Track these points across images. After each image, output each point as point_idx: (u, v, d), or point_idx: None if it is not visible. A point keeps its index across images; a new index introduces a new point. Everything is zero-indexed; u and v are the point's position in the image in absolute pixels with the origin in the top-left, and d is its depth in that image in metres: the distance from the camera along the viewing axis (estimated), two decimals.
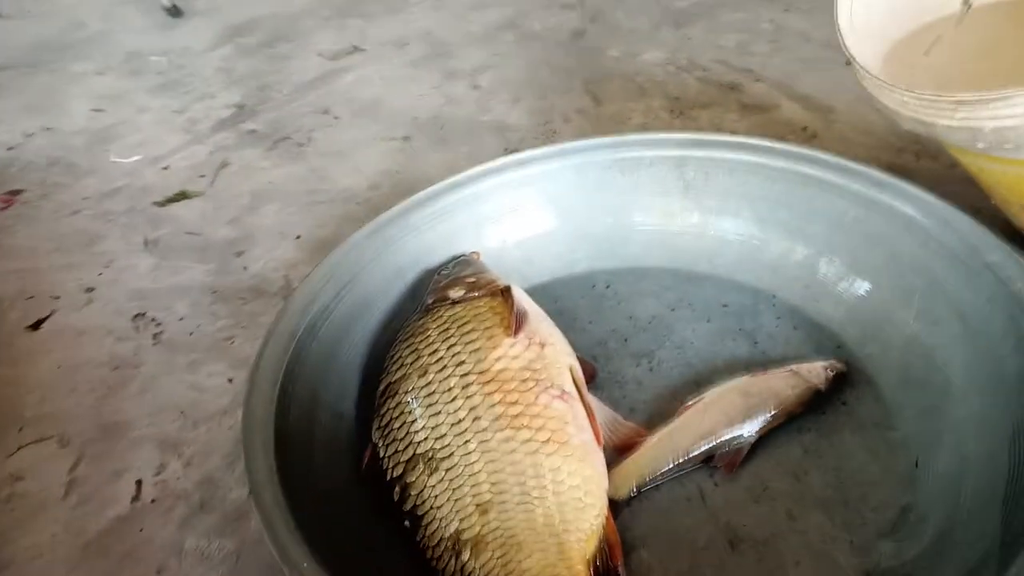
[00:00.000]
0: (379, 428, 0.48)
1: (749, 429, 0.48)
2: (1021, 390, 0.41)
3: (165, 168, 0.91)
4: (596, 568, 0.41)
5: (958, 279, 0.48)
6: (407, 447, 0.46)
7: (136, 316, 0.70)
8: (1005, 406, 0.42)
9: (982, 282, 0.47)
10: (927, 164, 0.68)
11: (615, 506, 0.46)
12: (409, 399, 0.48)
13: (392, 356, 0.51)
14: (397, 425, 0.47)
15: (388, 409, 0.48)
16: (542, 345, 0.48)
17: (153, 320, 0.69)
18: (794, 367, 0.51)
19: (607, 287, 0.62)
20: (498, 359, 0.47)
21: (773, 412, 0.48)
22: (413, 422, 0.47)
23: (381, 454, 0.47)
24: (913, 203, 0.52)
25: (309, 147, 0.91)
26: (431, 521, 0.43)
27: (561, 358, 0.49)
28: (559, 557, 0.41)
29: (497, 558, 0.41)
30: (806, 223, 0.57)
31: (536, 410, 0.45)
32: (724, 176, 0.60)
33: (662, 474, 0.47)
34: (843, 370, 0.51)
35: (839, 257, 0.56)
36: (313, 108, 0.99)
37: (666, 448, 0.48)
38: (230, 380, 0.62)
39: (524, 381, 0.46)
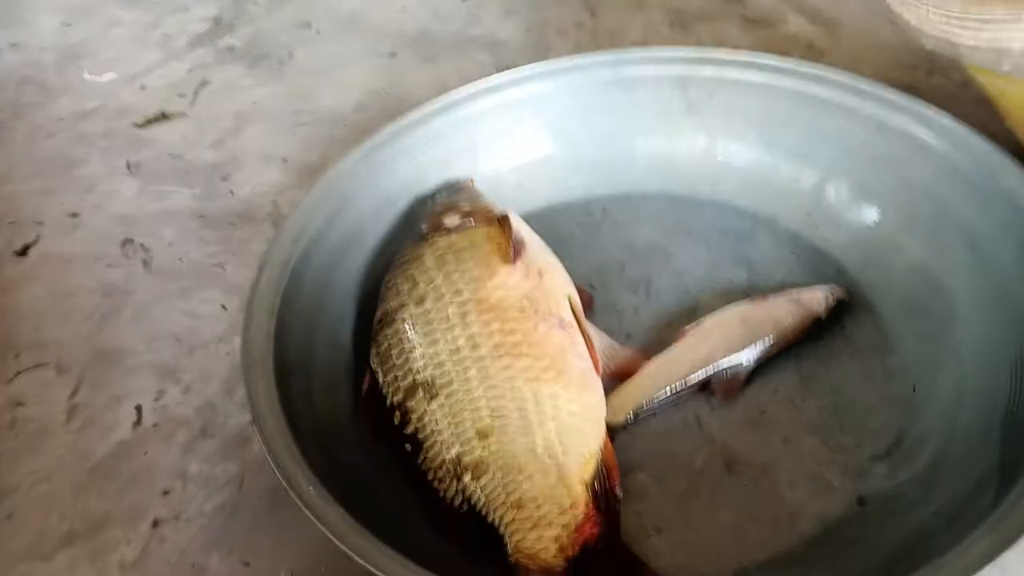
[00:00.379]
0: (377, 355, 0.47)
1: (748, 356, 0.48)
2: None
3: (142, 87, 0.86)
4: (594, 490, 0.42)
5: (970, 205, 0.47)
6: (406, 374, 0.45)
7: (124, 242, 0.67)
8: (1008, 334, 0.41)
9: (996, 208, 0.45)
10: (939, 81, 0.65)
11: (613, 430, 0.46)
12: (407, 327, 0.47)
13: (388, 284, 0.50)
14: (395, 353, 0.46)
15: (385, 337, 0.47)
16: (540, 274, 0.47)
17: (142, 246, 0.67)
18: (794, 294, 0.50)
19: (604, 214, 0.61)
20: (496, 288, 0.46)
21: (772, 339, 0.48)
22: (412, 350, 0.46)
23: (380, 380, 0.47)
24: (927, 125, 0.49)
25: (291, 64, 0.86)
26: (432, 445, 0.44)
27: (559, 287, 0.48)
28: (559, 479, 0.41)
29: (498, 480, 0.41)
30: (813, 146, 0.55)
31: (535, 339, 0.44)
32: (729, 96, 0.57)
33: (659, 401, 0.47)
34: (844, 297, 0.50)
35: (846, 182, 0.54)
36: (292, 22, 0.93)
37: (663, 375, 0.48)
38: (224, 307, 0.61)
39: (523, 311, 0.45)
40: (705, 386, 0.48)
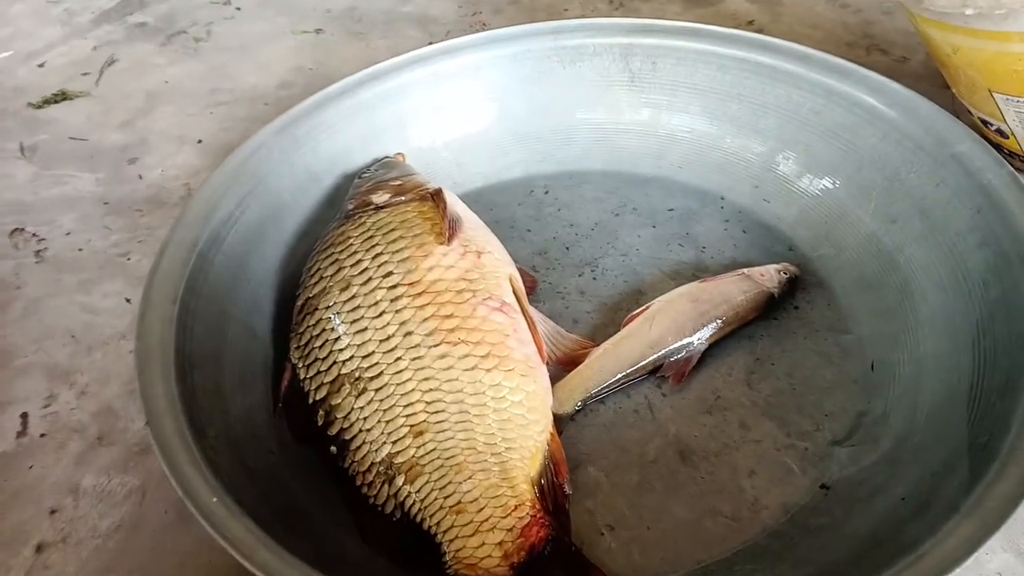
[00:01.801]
0: (298, 347, 0.42)
1: (699, 337, 0.44)
2: (985, 285, 0.38)
3: (40, 65, 0.77)
4: (541, 487, 0.37)
5: (921, 173, 0.44)
6: (330, 367, 0.40)
7: (14, 231, 0.59)
8: (967, 304, 0.39)
9: (947, 174, 0.42)
10: (878, 58, 0.64)
11: (560, 422, 0.41)
12: (331, 315, 0.41)
13: (310, 269, 0.44)
14: (318, 344, 0.41)
15: (307, 327, 0.42)
16: (478, 254, 0.42)
17: (34, 235, 0.59)
18: (746, 271, 0.46)
19: (546, 192, 0.56)
20: (430, 269, 0.40)
21: (724, 318, 0.44)
22: (336, 340, 0.40)
23: (301, 376, 0.41)
24: (876, 92, 0.46)
25: (208, 42, 0.78)
26: (360, 446, 0.38)
27: (499, 268, 0.43)
28: (502, 478, 0.36)
29: (434, 482, 0.36)
30: (759, 117, 0.51)
31: (474, 323, 0.39)
32: (672, 66, 0.53)
33: (608, 387, 0.43)
34: (797, 273, 0.46)
35: (794, 153, 0.50)
36: None
37: (612, 360, 0.43)
38: (127, 300, 0.53)
39: (460, 292, 0.40)
40: (656, 370, 0.44)
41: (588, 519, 0.38)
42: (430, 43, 0.57)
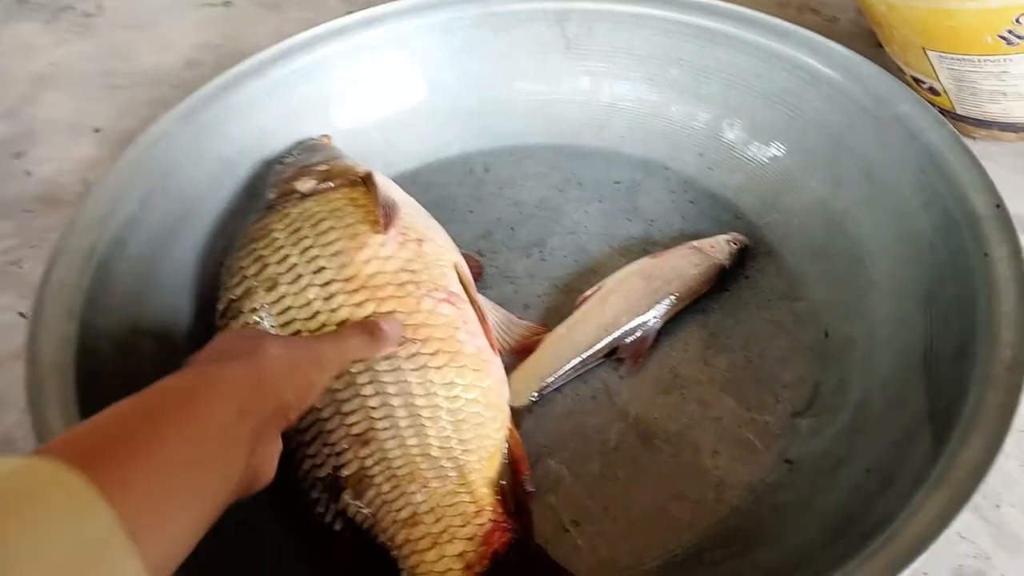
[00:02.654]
0: None
1: (654, 315, 0.42)
2: (933, 248, 0.38)
3: None
4: (501, 488, 0.35)
5: (865, 135, 0.43)
6: None
7: None
8: (916, 267, 0.38)
9: (891, 135, 0.42)
10: (810, 18, 0.63)
11: (516, 414, 0.38)
12: (257, 319, 0.36)
13: (230, 268, 0.39)
14: None
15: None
16: (419, 241, 0.38)
17: None
18: (695, 243, 0.45)
19: (486, 170, 0.53)
20: (367, 262, 0.36)
21: (677, 294, 0.43)
22: None
23: None
24: (817, 54, 0.45)
25: (100, 17, 0.70)
26: (300, 461, 0.34)
27: (443, 255, 0.39)
28: (459, 483, 0.33)
29: (384, 494, 0.33)
30: (701, 82, 0.49)
31: (419, 318, 0.36)
32: (610, 31, 0.51)
33: (564, 374, 0.40)
34: (746, 243, 0.45)
35: (739, 119, 0.49)
36: None
37: (566, 345, 0.41)
38: (22, 314, 0.47)
39: (401, 286, 0.36)
40: (612, 352, 0.42)
41: (551, 515, 0.36)
42: (350, 12, 0.52)
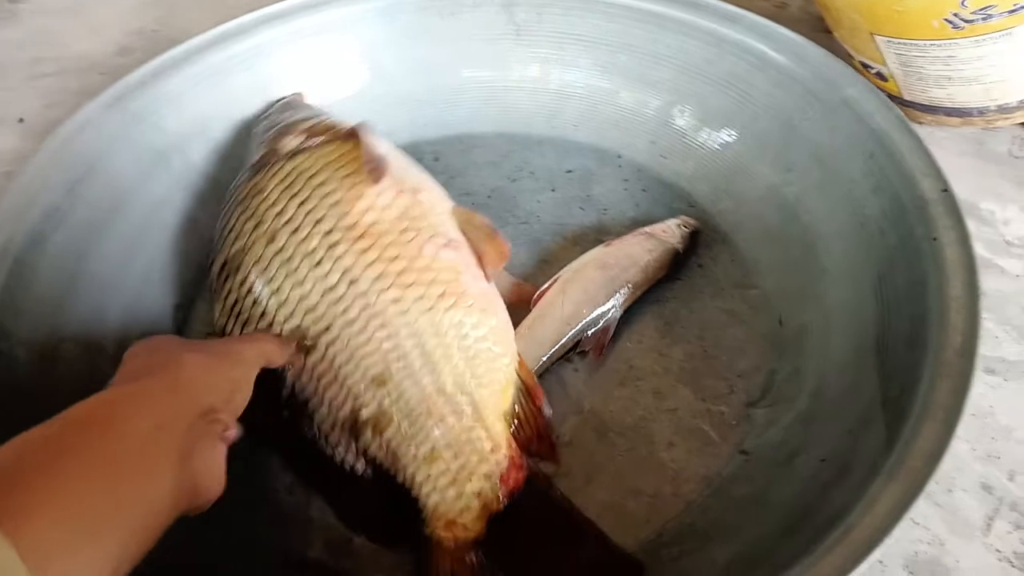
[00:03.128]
0: (224, 313, 0.36)
1: (614, 303, 0.40)
2: (883, 232, 0.37)
3: None
4: (517, 418, 0.35)
5: (814, 120, 0.42)
6: (270, 327, 0.34)
7: None
8: (867, 252, 0.37)
9: (839, 120, 0.41)
10: (759, 4, 0.62)
11: None
12: (258, 271, 0.35)
13: (223, 229, 0.37)
14: (249, 304, 0.35)
15: (231, 289, 0.35)
16: (415, 191, 0.37)
17: None
18: (647, 229, 0.43)
19: (435, 159, 0.50)
20: (367, 211, 0.35)
21: (634, 281, 0.41)
22: (271, 297, 0.34)
23: (221, 322, 0.36)
24: (765, 38, 0.44)
25: (26, 3, 0.65)
26: (318, 405, 0.34)
27: (439, 203, 0.37)
28: (475, 418, 0.33)
29: (405, 430, 0.33)
30: (651, 68, 0.48)
31: (423, 263, 0.35)
32: (559, 17, 0.49)
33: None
34: (697, 226, 0.44)
35: (689, 106, 0.47)
36: None
37: (530, 344, 0.39)
38: None
39: (403, 232, 0.35)
40: (575, 346, 0.40)
41: None
42: None
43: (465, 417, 0.34)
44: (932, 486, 0.35)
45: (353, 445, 0.34)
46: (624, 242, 0.43)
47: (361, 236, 0.35)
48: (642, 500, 0.35)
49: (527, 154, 0.50)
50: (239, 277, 0.35)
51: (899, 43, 0.45)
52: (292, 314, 0.34)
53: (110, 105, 0.42)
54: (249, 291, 0.35)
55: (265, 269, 0.35)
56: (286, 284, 0.35)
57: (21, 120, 0.55)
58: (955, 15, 0.42)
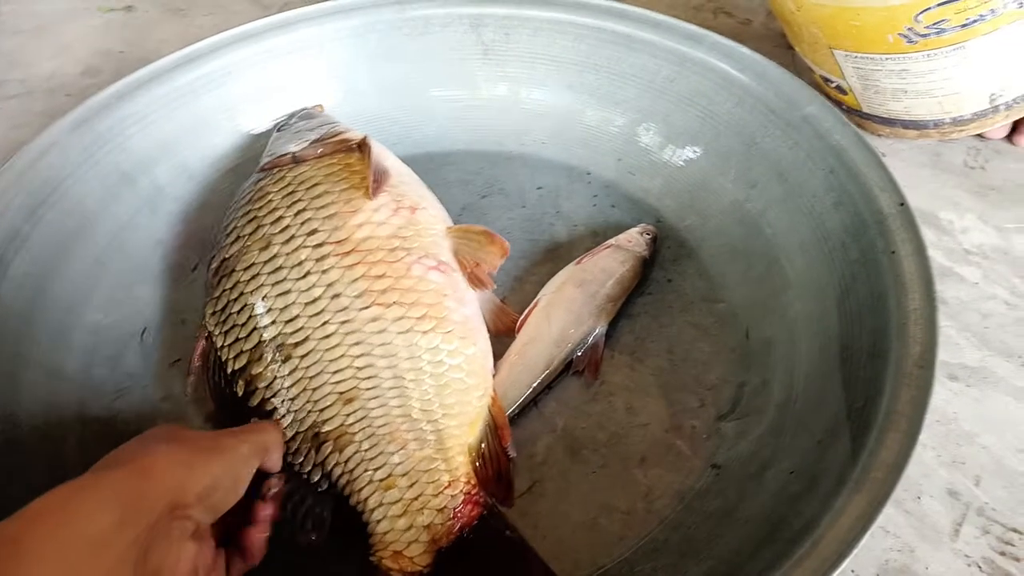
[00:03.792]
0: (215, 313, 0.35)
1: (598, 320, 0.40)
2: (845, 246, 0.37)
3: None
4: (481, 454, 0.34)
5: (775, 137, 0.42)
6: (251, 334, 0.34)
7: None
8: (830, 264, 0.37)
9: (800, 137, 0.41)
10: (724, 21, 0.62)
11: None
12: (250, 277, 0.35)
13: (226, 228, 0.37)
14: (236, 309, 0.35)
15: (224, 291, 0.35)
16: (412, 209, 0.37)
17: None
18: (612, 242, 0.43)
19: None
20: (360, 226, 0.35)
21: (613, 293, 0.41)
22: (257, 304, 0.34)
23: (219, 343, 0.35)
24: (727, 57, 0.44)
25: None
26: (284, 415, 0.33)
27: (435, 224, 0.37)
28: (437, 448, 0.33)
29: (364, 451, 0.32)
30: (617, 87, 0.48)
31: (408, 283, 0.34)
32: (527, 37, 0.49)
33: (525, 400, 0.38)
34: (656, 231, 0.44)
35: (654, 124, 0.47)
36: None
37: (522, 371, 0.38)
38: None
39: (392, 251, 0.35)
40: (566, 367, 0.39)
41: None
42: (260, 18, 0.49)
43: (427, 446, 0.33)
44: (900, 493, 0.35)
45: (312, 454, 0.33)
46: (596, 257, 0.43)
47: (350, 252, 0.35)
48: (615, 517, 0.34)
49: (497, 171, 0.50)
50: (231, 280, 0.36)
51: (856, 57, 0.46)
52: (273, 323, 0.34)
53: (75, 127, 0.41)
54: (239, 296, 0.35)
55: (255, 276, 0.35)
56: (271, 292, 0.35)
57: None
58: (909, 29, 0.43)
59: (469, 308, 0.36)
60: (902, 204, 0.36)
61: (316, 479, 0.33)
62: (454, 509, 0.32)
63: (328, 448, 0.33)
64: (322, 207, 0.36)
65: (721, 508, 0.33)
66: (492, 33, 0.49)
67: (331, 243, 0.35)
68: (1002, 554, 0.33)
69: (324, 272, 0.34)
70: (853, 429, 0.30)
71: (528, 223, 0.47)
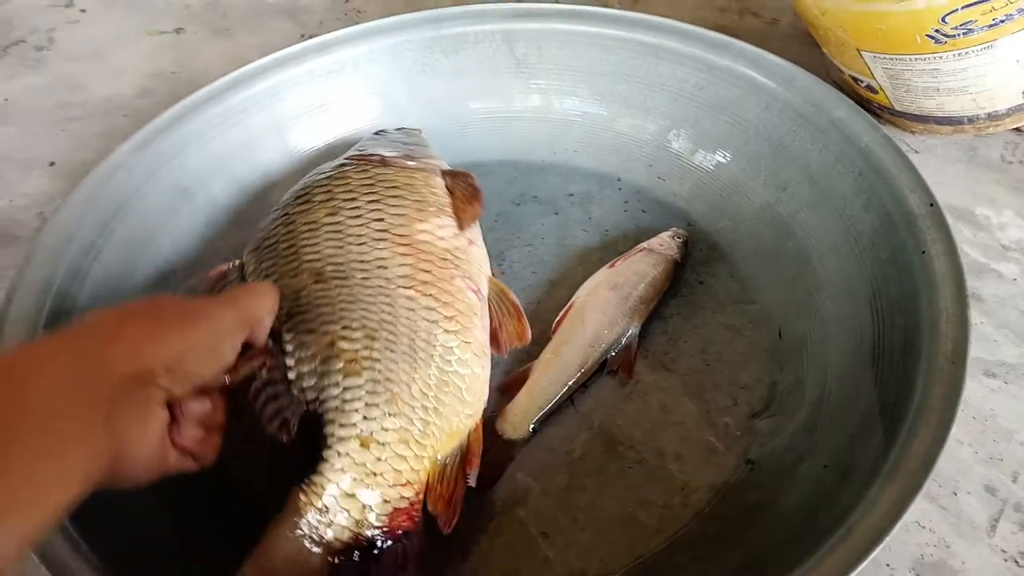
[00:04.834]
0: (256, 251, 0.38)
1: (632, 322, 0.42)
2: (875, 247, 0.38)
3: None
4: (443, 472, 0.34)
5: (804, 140, 0.43)
6: (292, 260, 0.36)
7: None
8: (861, 265, 0.39)
9: (829, 140, 0.42)
10: (750, 21, 0.64)
11: (514, 446, 0.38)
12: (309, 229, 0.37)
13: (297, 192, 0.40)
14: (285, 245, 0.37)
15: (276, 231, 0.38)
16: (471, 242, 0.39)
17: None
18: (644, 245, 0.45)
19: None
20: (422, 231, 0.38)
21: (646, 295, 0.43)
22: (305, 246, 0.36)
23: (250, 269, 0.37)
24: (753, 64, 0.46)
25: (51, 50, 0.68)
26: (307, 320, 0.34)
27: (483, 264, 0.40)
28: (417, 439, 0.33)
29: (364, 395, 0.32)
30: (647, 95, 0.50)
31: (447, 287, 0.36)
32: (557, 50, 0.51)
33: (560, 398, 0.40)
34: (687, 235, 0.46)
35: (684, 129, 0.49)
36: (49, 1, 0.74)
37: (556, 370, 0.40)
38: None
39: (443, 260, 0.37)
40: (600, 368, 0.41)
41: (521, 529, 0.36)
42: (303, 35, 0.52)
43: (410, 431, 0.33)
44: (936, 489, 0.36)
45: (317, 365, 0.33)
46: (629, 260, 0.44)
47: (407, 246, 0.37)
48: (652, 511, 0.36)
49: (531, 179, 0.52)
50: (288, 227, 0.38)
51: (885, 58, 0.47)
52: (319, 259, 0.36)
53: (139, 147, 0.44)
54: (291, 235, 0.37)
55: (313, 230, 0.37)
56: (327, 244, 0.36)
57: (52, 163, 0.57)
58: (936, 31, 0.44)
59: (487, 337, 0.37)
60: (932, 204, 0.37)
61: (304, 385, 0.32)
62: (393, 511, 0.31)
63: (336, 366, 0.33)
64: (394, 205, 0.38)
65: (756, 501, 0.34)
66: (524, 47, 0.51)
67: (393, 234, 0.37)
68: None
69: (379, 249, 0.36)
70: (885, 424, 0.31)
71: (560, 229, 0.49)
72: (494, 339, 0.38)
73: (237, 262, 0.38)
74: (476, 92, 0.52)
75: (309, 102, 0.50)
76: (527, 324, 0.38)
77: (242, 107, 0.48)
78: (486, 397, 0.37)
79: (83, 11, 0.73)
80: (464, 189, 0.41)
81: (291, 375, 0.33)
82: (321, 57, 0.50)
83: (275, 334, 0.34)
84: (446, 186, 0.41)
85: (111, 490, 0.25)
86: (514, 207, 0.51)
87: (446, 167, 0.43)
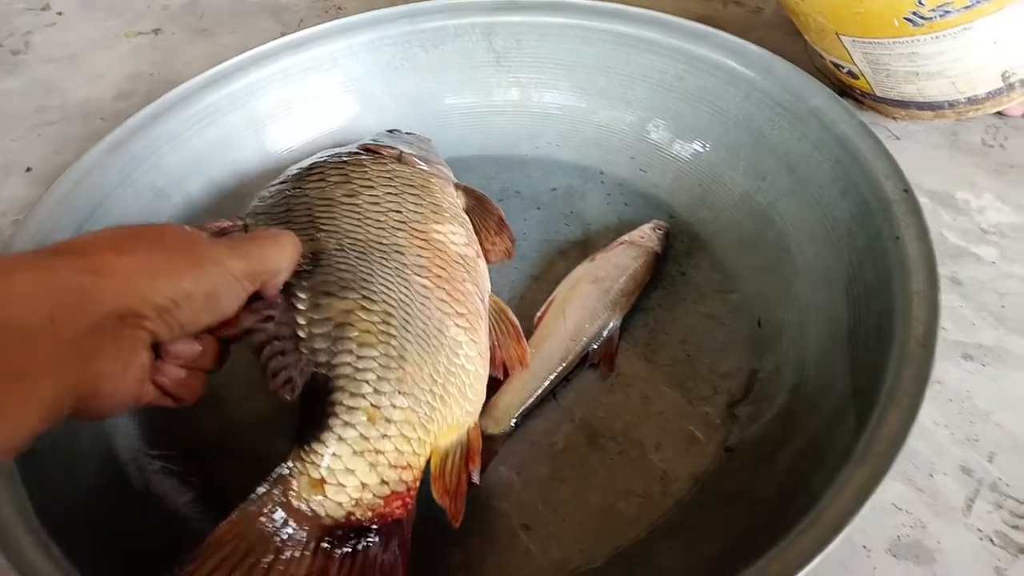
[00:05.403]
0: (263, 214, 0.37)
1: (612, 315, 0.43)
2: (852, 234, 0.39)
3: None
4: (443, 465, 0.33)
5: (783, 129, 0.44)
6: (308, 226, 0.36)
7: None
8: (838, 252, 0.40)
9: (807, 129, 0.43)
10: (734, 10, 0.65)
11: (496, 441, 0.39)
12: (324, 205, 0.37)
13: (307, 167, 0.40)
14: (299, 212, 0.37)
15: (286, 200, 0.38)
16: (479, 255, 0.40)
17: None
18: (625, 238, 0.46)
19: None
20: (438, 231, 0.38)
21: (627, 288, 0.43)
22: (323, 218, 0.36)
23: (252, 223, 0.37)
24: (733, 54, 0.47)
25: (28, 54, 0.69)
26: (327, 283, 0.33)
27: (487, 281, 0.40)
28: (422, 422, 0.32)
29: (377, 367, 0.32)
30: (626, 88, 0.51)
31: (460, 287, 0.37)
32: (537, 43, 0.52)
33: (541, 393, 0.40)
34: (668, 227, 0.47)
35: (663, 120, 0.50)
36: (26, 3, 0.75)
37: (538, 365, 0.41)
38: None
39: (456, 263, 0.38)
40: (582, 361, 0.42)
41: (504, 521, 0.37)
42: (283, 34, 0.52)
43: (416, 412, 0.32)
44: (913, 471, 0.37)
45: (330, 331, 0.32)
46: (610, 254, 0.45)
47: (425, 241, 0.37)
48: (633, 500, 0.37)
49: (513, 174, 0.53)
50: (301, 198, 0.37)
51: (864, 42, 0.48)
52: (336, 230, 0.36)
53: (113, 148, 0.45)
54: (302, 201, 0.37)
55: (330, 206, 0.37)
56: (341, 214, 0.36)
57: (29, 169, 0.58)
58: (914, 13, 0.45)
59: (488, 346, 0.38)
60: (906, 190, 0.38)
61: (316, 347, 0.31)
62: (390, 494, 0.30)
63: (352, 333, 0.32)
64: (413, 203, 0.39)
65: (735, 489, 0.35)
66: (503, 40, 0.52)
67: (411, 227, 0.37)
68: (1015, 527, 0.35)
69: (397, 237, 0.37)
70: (858, 407, 0.32)
71: (543, 224, 0.50)
72: (492, 358, 0.38)
73: (240, 221, 0.36)
74: (456, 86, 0.53)
75: (286, 99, 0.51)
76: (527, 347, 0.39)
77: (217, 106, 0.49)
78: (483, 400, 0.38)
79: (59, 14, 0.73)
80: (490, 219, 0.42)
81: (301, 334, 0.31)
82: (298, 53, 0.51)
83: (286, 287, 0.32)
84: (464, 207, 0.42)
85: (99, 490, 0.25)
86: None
87: (455, 180, 0.44)
